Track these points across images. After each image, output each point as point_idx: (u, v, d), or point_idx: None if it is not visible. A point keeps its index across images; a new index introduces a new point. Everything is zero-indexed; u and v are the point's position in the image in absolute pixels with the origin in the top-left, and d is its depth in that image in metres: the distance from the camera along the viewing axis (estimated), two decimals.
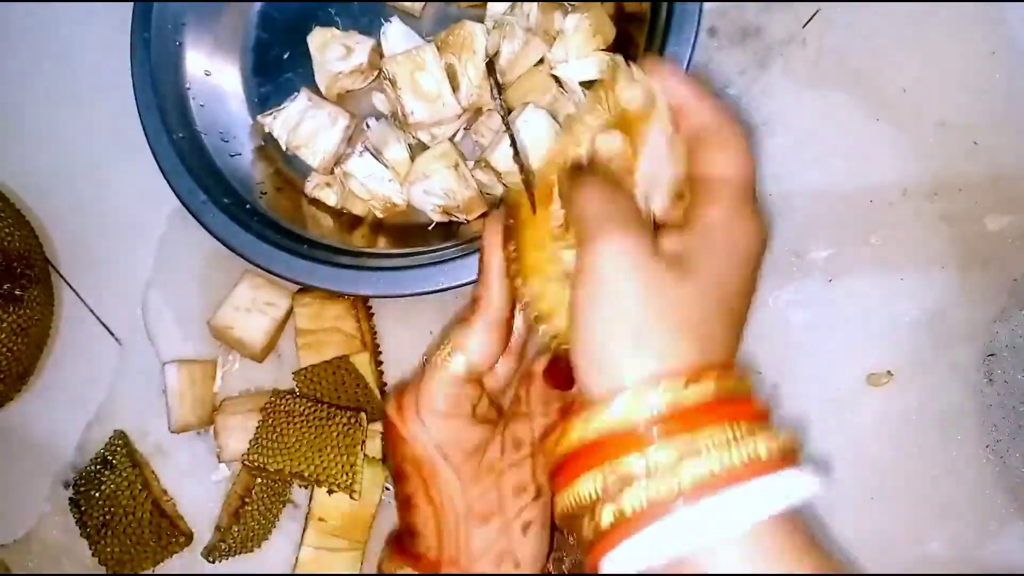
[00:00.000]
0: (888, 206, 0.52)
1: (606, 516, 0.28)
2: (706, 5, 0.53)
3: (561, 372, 0.38)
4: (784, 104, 0.53)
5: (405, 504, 0.39)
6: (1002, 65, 0.52)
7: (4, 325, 0.51)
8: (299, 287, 0.53)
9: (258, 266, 0.50)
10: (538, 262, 0.35)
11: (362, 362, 0.52)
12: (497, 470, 0.39)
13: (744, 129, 0.34)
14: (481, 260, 0.38)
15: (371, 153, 0.52)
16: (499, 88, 0.48)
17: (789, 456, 0.29)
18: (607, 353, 0.29)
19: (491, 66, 0.49)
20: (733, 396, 0.29)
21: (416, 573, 0.38)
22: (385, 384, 0.54)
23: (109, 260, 0.58)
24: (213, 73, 0.56)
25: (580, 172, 0.34)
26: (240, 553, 0.53)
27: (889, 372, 0.51)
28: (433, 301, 0.53)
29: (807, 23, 0.53)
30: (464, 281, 0.47)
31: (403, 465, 0.39)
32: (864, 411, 0.51)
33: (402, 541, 0.40)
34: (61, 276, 0.58)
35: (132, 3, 0.53)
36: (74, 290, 0.58)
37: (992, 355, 0.51)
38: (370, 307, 0.54)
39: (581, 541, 0.29)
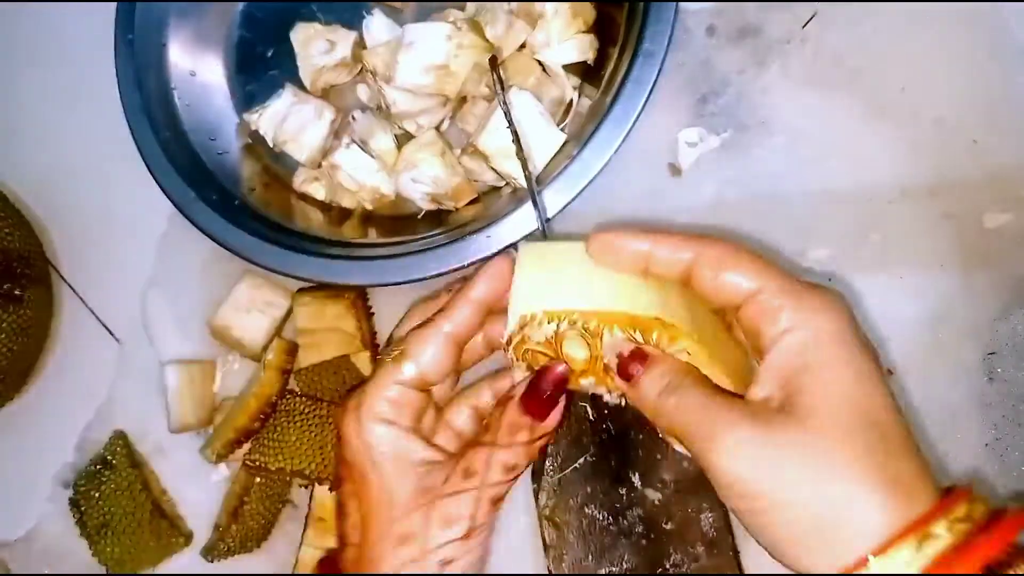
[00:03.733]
0: (887, 205, 0.52)
1: None
2: (705, 5, 0.54)
3: (537, 402, 0.36)
4: (783, 103, 0.53)
5: (339, 510, 0.37)
6: (1000, 63, 0.52)
7: (4, 325, 0.51)
8: (299, 287, 0.54)
9: (249, 261, 0.50)
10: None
11: (362, 361, 0.52)
12: (433, 495, 0.35)
13: (728, 240, 0.33)
14: (474, 280, 0.37)
15: (358, 145, 0.52)
16: (501, 84, 0.48)
17: None
18: (788, 556, 0.28)
19: (494, 62, 0.49)
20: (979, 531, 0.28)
21: None
22: None
23: (109, 260, 0.58)
24: (198, 73, 0.56)
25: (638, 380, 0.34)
26: (240, 553, 0.53)
27: (889, 371, 0.51)
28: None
29: (806, 23, 0.53)
30: (454, 267, 0.48)
31: (340, 467, 0.37)
32: None
33: (327, 562, 0.38)
34: (61, 276, 0.58)
35: (115, 4, 0.53)
36: (74, 290, 0.58)
37: (992, 353, 0.51)
38: (370, 306, 0.54)
39: None
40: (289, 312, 0.54)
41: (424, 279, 0.48)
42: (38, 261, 0.56)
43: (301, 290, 0.53)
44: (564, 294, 0.35)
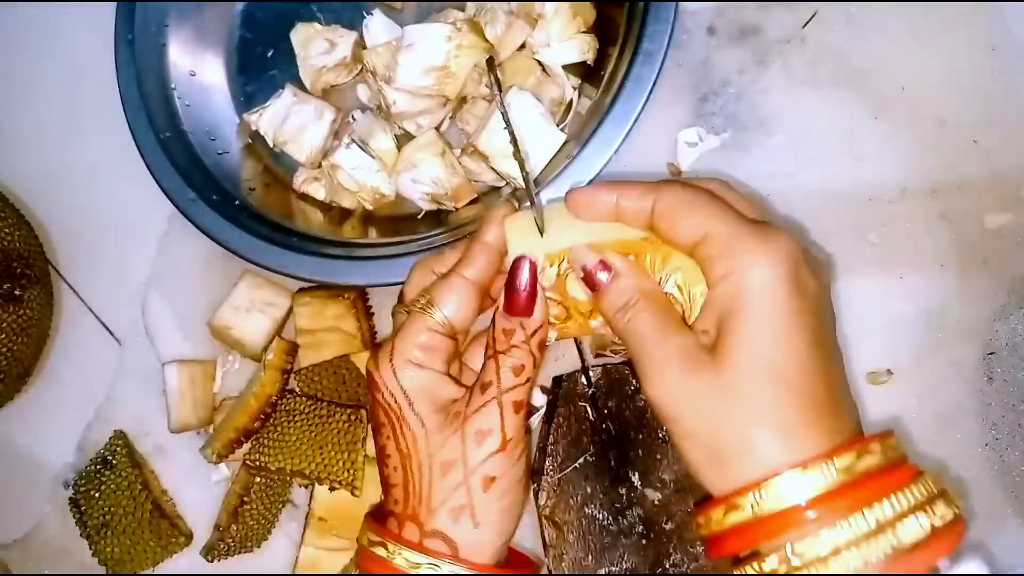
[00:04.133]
0: (887, 205, 0.52)
1: None
2: (705, 4, 0.54)
3: (517, 300, 0.38)
4: (783, 103, 0.53)
5: (380, 455, 0.39)
6: (1001, 63, 0.52)
7: (4, 325, 0.51)
8: (299, 287, 0.54)
9: (250, 261, 0.51)
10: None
11: (362, 361, 0.52)
12: (462, 417, 0.37)
13: (680, 184, 0.36)
14: (481, 227, 0.39)
15: (358, 145, 0.52)
16: (499, 84, 0.48)
17: (954, 532, 0.30)
18: (740, 446, 0.32)
19: (491, 63, 0.49)
20: (883, 467, 0.31)
21: (383, 539, 0.37)
22: None
23: (109, 260, 0.58)
24: (198, 73, 0.56)
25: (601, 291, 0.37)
26: (240, 552, 0.53)
27: (889, 371, 0.51)
28: None
29: (806, 23, 0.53)
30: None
31: (377, 412, 0.39)
32: (864, 409, 0.51)
33: (376, 511, 0.40)
34: (61, 276, 0.58)
35: (115, 4, 0.53)
36: (74, 290, 0.58)
37: (992, 353, 0.51)
38: (370, 306, 0.54)
39: None
40: (289, 312, 0.54)
41: None
42: (38, 261, 0.56)
43: (301, 290, 0.53)
44: (557, 237, 0.38)
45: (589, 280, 0.37)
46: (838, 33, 0.53)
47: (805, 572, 0.29)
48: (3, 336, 0.51)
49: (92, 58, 0.56)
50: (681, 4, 0.51)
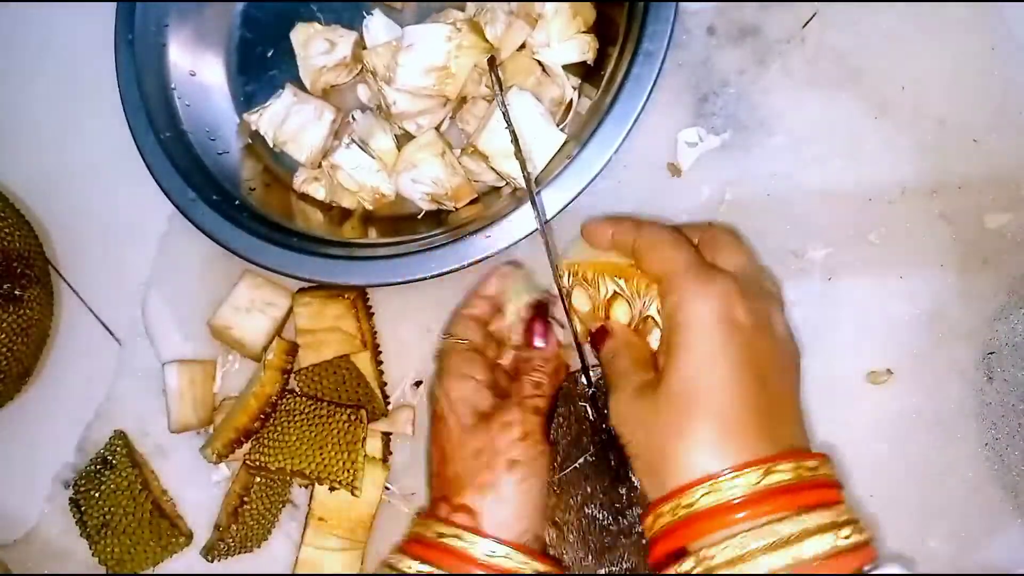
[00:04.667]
0: (887, 204, 0.52)
1: None
2: (705, 4, 0.54)
3: (535, 334, 0.48)
4: (783, 103, 0.53)
5: (430, 452, 0.47)
6: (1001, 63, 0.52)
7: (4, 325, 0.51)
8: (299, 287, 0.54)
9: (250, 261, 0.51)
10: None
11: (363, 361, 0.52)
12: (491, 417, 0.44)
13: (657, 226, 0.43)
14: (492, 276, 0.50)
15: (358, 145, 0.52)
16: (500, 84, 0.48)
17: (865, 549, 0.34)
18: (666, 459, 0.37)
19: (492, 62, 0.49)
20: (808, 483, 0.35)
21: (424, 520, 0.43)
22: (385, 383, 0.54)
23: (109, 260, 0.58)
24: (198, 73, 0.56)
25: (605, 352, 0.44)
26: (240, 552, 0.53)
27: (889, 370, 0.51)
28: (432, 299, 0.53)
29: (806, 23, 0.53)
30: (454, 267, 0.48)
31: (432, 416, 0.47)
32: (864, 409, 0.51)
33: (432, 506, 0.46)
34: (61, 276, 0.58)
35: (115, 4, 0.53)
36: (74, 290, 0.58)
37: (992, 353, 0.51)
38: (370, 306, 0.54)
39: None
40: (289, 312, 0.54)
41: (424, 279, 0.48)
42: (38, 261, 0.56)
43: (301, 290, 0.53)
44: (571, 254, 0.48)
45: (596, 342, 0.45)
46: (838, 33, 0.53)
47: (717, 574, 0.34)
48: (3, 336, 0.51)
49: (92, 58, 0.56)
50: (681, 4, 0.51)
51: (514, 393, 0.45)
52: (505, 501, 0.42)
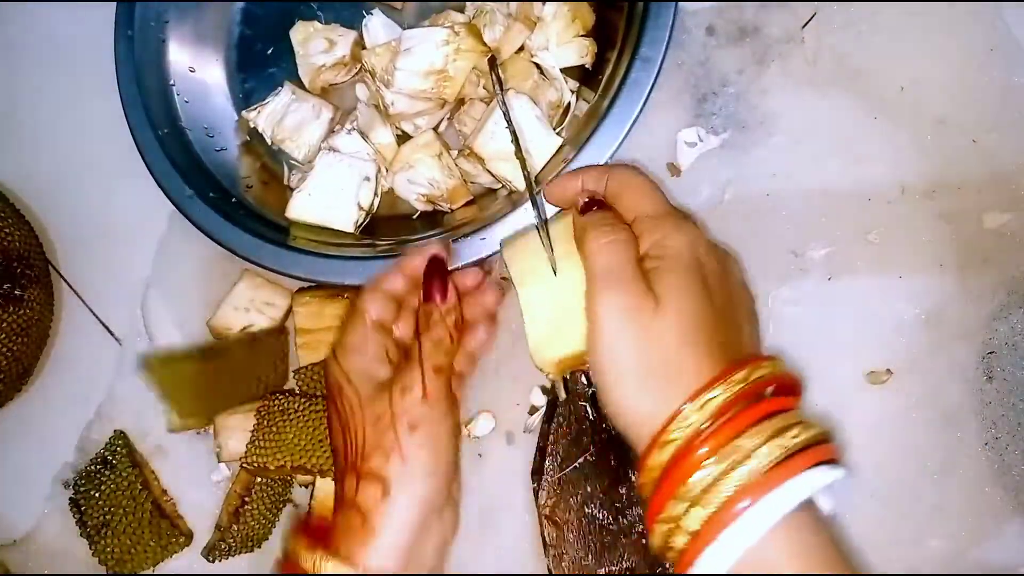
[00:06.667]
0: (887, 204, 0.52)
1: (679, 540, 0.35)
2: (705, 4, 0.54)
3: (432, 290, 0.45)
4: (782, 103, 0.53)
5: (329, 426, 0.46)
6: (1000, 63, 0.52)
7: (4, 325, 0.51)
8: (298, 287, 0.54)
9: (246, 259, 0.51)
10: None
11: None
12: (390, 380, 0.44)
13: (632, 170, 0.44)
14: (409, 256, 0.47)
15: (359, 132, 0.52)
16: (501, 84, 0.48)
17: (820, 446, 0.35)
18: (629, 397, 0.37)
19: (493, 62, 0.49)
20: (763, 383, 0.36)
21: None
22: None
23: (109, 260, 0.58)
24: (197, 69, 0.56)
25: (591, 215, 0.43)
26: (240, 552, 0.53)
27: (888, 370, 0.51)
28: None
29: (806, 23, 0.53)
30: (449, 268, 0.47)
31: (328, 392, 0.46)
32: (863, 409, 0.51)
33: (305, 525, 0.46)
34: (61, 276, 0.58)
35: (115, 2, 0.53)
36: (74, 290, 0.58)
37: (991, 352, 0.51)
38: None
39: (678, 558, 0.35)
40: (288, 312, 0.54)
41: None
42: (38, 261, 0.56)
43: (300, 290, 0.54)
44: (559, 262, 0.44)
45: (587, 205, 0.44)
46: (838, 33, 0.53)
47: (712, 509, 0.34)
48: (3, 336, 0.51)
49: (92, 58, 0.56)
50: (681, 4, 0.51)
51: (412, 353, 0.44)
52: (411, 460, 0.41)
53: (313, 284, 0.53)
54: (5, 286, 0.52)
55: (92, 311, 0.58)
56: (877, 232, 0.52)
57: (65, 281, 0.58)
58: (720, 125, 0.53)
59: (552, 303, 0.43)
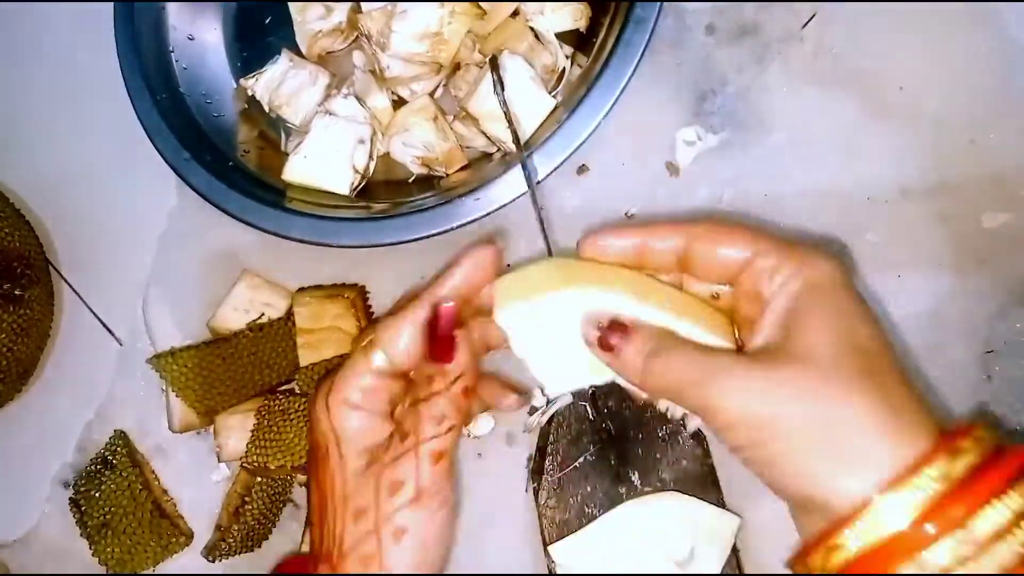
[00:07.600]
0: (886, 204, 0.52)
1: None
2: (704, 3, 0.54)
3: (437, 346, 0.37)
4: (782, 102, 0.53)
5: (308, 487, 0.39)
6: (1000, 63, 0.52)
7: (4, 325, 0.51)
8: (298, 287, 0.54)
9: (241, 220, 0.51)
10: None
11: None
12: (381, 463, 0.36)
13: (711, 218, 0.37)
14: (450, 269, 0.37)
15: (356, 97, 0.53)
16: (501, 84, 0.48)
17: None
18: (844, 453, 0.29)
19: (494, 62, 0.49)
20: (984, 460, 0.28)
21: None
22: None
23: (109, 260, 0.58)
24: (196, 37, 0.57)
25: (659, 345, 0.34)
26: (240, 552, 0.53)
27: None
28: None
29: (806, 23, 0.53)
30: (443, 228, 0.48)
31: (311, 444, 0.38)
32: None
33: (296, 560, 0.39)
34: (61, 276, 0.58)
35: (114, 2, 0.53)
36: (74, 290, 0.58)
37: (990, 352, 0.51)
38: (370, 306, 0.54)
39: None
40: (288, 312, 0.54)
41: (415, 240, 0.48)
42: (38, 261, 0.56)
43: (300, 290, 0.54)
44: (548, 302, 0.36)
45: (604, 342, 0.35)
46: (838, 33, 0.53)
47: None
48: (3, 336, 0.51)
49: (93, 58, 0.56)
50: (681, 4, 0.51)
51: (407, 428, 0.36)
52: (394, 570, 0.35)
53: (313, 284, 0.53)
54: (5, 286, 0.52)
55: (92, 311, 0.58)
56: (876, 232, 0.52)
57: (65, 281, 0.58)
58: (719, 124, 0.53)
59: (547, 343, 0.38)
